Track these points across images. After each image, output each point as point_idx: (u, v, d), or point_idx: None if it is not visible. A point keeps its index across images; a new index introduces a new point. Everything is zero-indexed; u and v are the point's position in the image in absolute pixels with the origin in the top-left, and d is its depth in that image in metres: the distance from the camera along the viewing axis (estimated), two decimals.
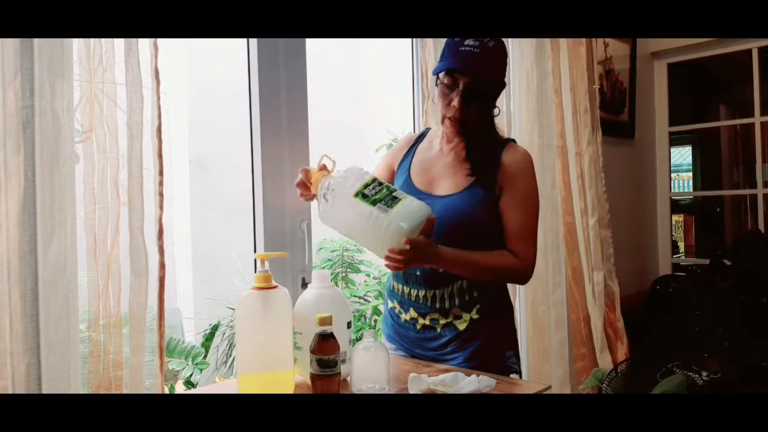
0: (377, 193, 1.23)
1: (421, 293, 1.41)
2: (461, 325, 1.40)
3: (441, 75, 1.37)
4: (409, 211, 1.22)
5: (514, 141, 1.47)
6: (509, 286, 1.57)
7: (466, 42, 1.32)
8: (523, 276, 1.39)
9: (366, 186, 1.24)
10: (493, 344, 1.42)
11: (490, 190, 1.38)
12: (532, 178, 1.42)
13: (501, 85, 1.42)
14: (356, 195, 1.22)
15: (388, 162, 1.58)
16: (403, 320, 1.47)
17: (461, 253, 1.32)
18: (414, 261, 1.24)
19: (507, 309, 1.49)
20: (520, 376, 1.51)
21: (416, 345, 1.46)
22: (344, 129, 4.63)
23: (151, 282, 1.21)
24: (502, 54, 1.38)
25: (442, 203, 1.38)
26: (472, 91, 1.34)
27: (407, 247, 1.20)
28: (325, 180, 1.28)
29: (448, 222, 1.35)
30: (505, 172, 1.38)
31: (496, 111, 1.45)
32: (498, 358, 1.42)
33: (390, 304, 1.51)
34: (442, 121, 1.42)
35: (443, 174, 1.44)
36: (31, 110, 1.06)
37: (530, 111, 2.21)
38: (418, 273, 1.41)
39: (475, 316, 1.40)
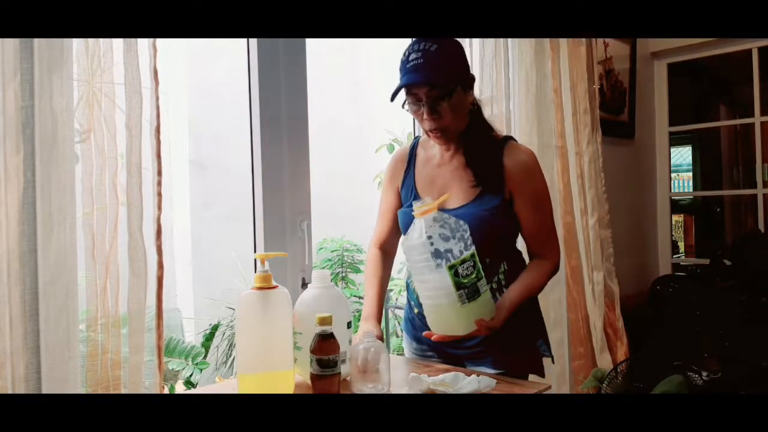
0: (466, 277, 1.22)
1: None
2: None
3: (405, 95, 1.36)
4: (481, 310, 1.26)
5: (512, 138, 1.45)
6: None
7: (410, 57, 1.32)
8: (556, 271, 1.45)
9: (463, 262, 1.21)
10: (526, 337, 1.44)
11: (499, 194, 1.37)
12: (539, 178, 1.42)
13: (465, 79, 1.38)
14: (450, 268, 1.20)
15: (392, 187, 1.54)
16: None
17: (512, 297, 1.36)
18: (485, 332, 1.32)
19: (534, 300, 1.49)
20: (553, 361, 1.53)
21: (448, 345, 1.43)
22: (344, 129, 4.63)
23: (150, 282, 1.20)
24: (449, 50, 1.35)
25: (455, 213, 1.36)
26: (435, 98, 1.32)
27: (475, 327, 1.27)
28: (434, 220, 1.23)
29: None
30: (511, 178, 1.37)
31: (489, 111, 1.45)
32: (531, 349, 1.45)
33: (416, 310, 1.50)
34: (427, 135, 1.41)
35: (451, 184, 1.42)
36: (31, 110, 1.06)
37: (530, 111, 2.21)
38: None
39: None
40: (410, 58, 1.32)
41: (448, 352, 1.46)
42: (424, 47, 1.32)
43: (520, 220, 1.41)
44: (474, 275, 1.23)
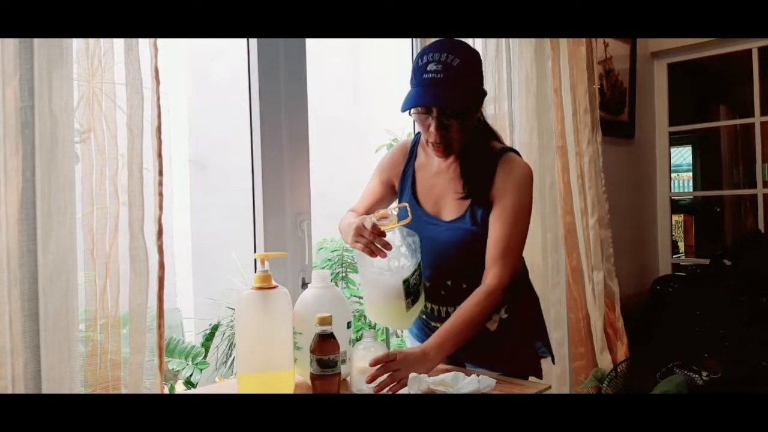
0: (414, 286, 1.35)
1: (451, 309, 1.38)
2: (492, 326, 1.39)
3: None
4: (419, 308, 1.41)
5: (511, 150, 1.40)
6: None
7: (429, 68, 1.23)
8: (496, 295, 1.29)
9: (413, 274, 1.33)
10: (524, 339, 1.44)
11: (488, 207, 1.34)
12: (523, 194, 1.34)
13: (479, 96, 1.34)
14: (404, 282, 1.32)
15: (384, 177, 1.51)
16: (433, 326, 1.45)
17: (442, 334, 1.24)
18: (403, 373, 1.14)
19: (534, 302, 1.49)
20: (553, 362, 1.54)
21: None
22: (344, 129, 4.63)
23: (151, 282, 1.20)
24: (470, 67, 1.28)
25: (449, 227, 1.37)
26: (447, 115, 1.27)
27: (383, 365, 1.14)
28: (397, 237, 1.35)
29: (461, 244, 1.36)
30: (497, 187, 1.33)
31: (490, 111, 1.44)
32: (529, 351, 1.45)
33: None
34: (427, 145, 1.35)
35: (446, 193, 1.40)
36: (31, 110, 1.06)
37: (530, 111, 2.20)
38: (442, 292, 1.39)
39: (504, 316, 1.40)
40: (429, 69, 1.24)
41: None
42: (445, 59, 1.23)
43: (489, 229, 1.33)
44: (420, 283, 1.37)
